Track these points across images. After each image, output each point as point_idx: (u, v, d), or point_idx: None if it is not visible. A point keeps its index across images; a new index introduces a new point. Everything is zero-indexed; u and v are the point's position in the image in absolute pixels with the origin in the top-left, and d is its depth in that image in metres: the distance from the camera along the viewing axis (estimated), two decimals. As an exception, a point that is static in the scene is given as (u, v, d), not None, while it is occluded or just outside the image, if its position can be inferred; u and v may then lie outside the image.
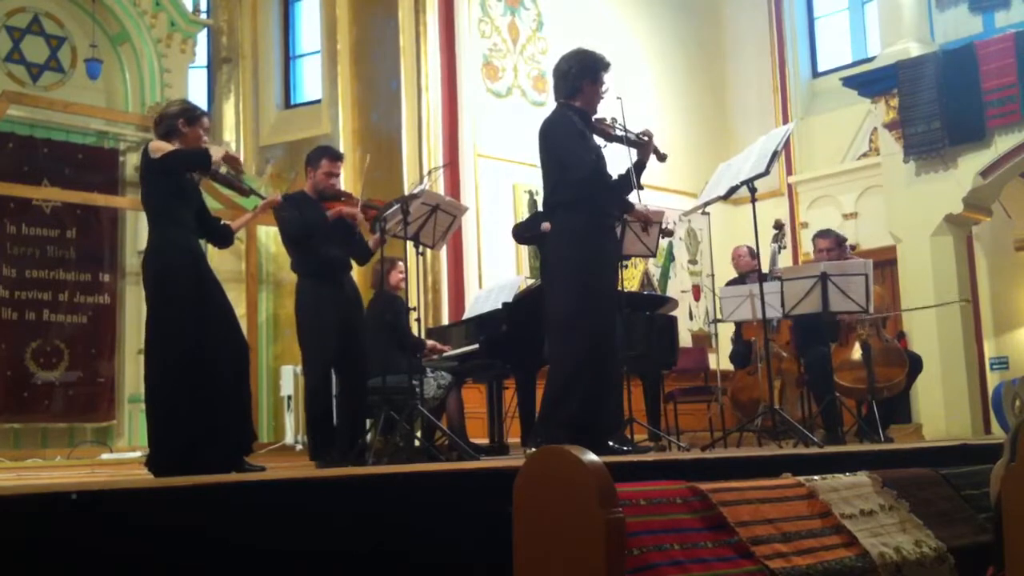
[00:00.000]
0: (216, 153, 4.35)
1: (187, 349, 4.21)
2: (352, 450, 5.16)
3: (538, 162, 4.78)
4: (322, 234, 5.28)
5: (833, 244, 6.93)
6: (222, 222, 4.82)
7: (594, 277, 4.46)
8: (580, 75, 4.67)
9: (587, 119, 4.69)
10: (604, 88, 4.74)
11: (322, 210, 5.31)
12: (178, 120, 4.48)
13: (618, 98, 4.78)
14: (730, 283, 7.26)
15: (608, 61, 4.77)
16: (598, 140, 4.73)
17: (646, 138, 4.76)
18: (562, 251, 4.57)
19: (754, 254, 7.21)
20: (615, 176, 4.69)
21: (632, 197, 4.85)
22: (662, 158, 4.80)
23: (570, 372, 4.38)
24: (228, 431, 4.27)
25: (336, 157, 5.50)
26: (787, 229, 8.04)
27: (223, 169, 4.48)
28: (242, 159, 4.55)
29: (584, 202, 4.50)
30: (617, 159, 4.74)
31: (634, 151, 4.77)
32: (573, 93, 4.68)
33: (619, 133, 4.73)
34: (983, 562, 2.57)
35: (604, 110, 4.81)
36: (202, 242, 4.79)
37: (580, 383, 4.36)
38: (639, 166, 4.74)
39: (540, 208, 5.45)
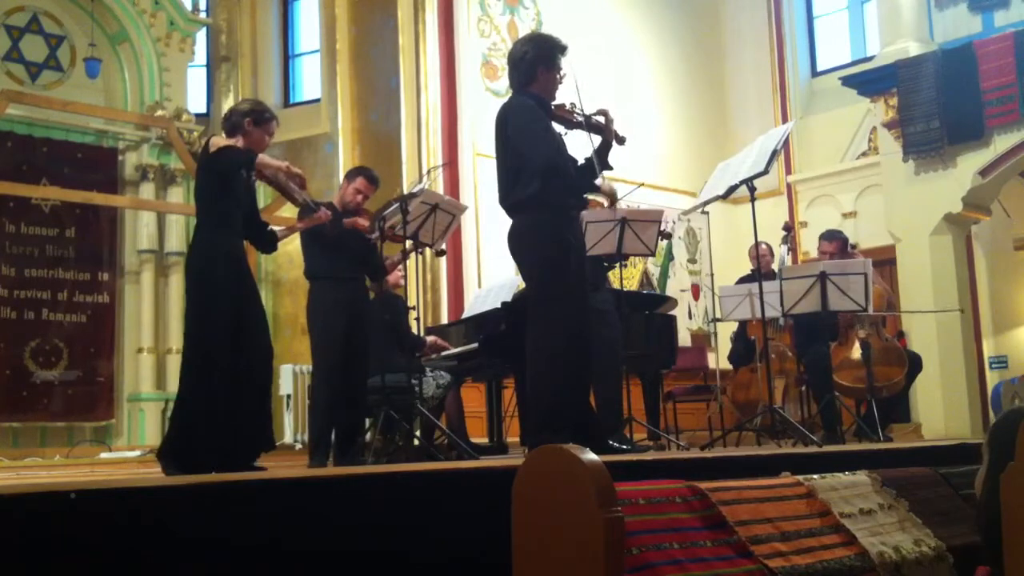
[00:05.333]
0: (275, 162, 4.35)
1: (222, 350, 4.20)
2: (351, 449, 5.17)
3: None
4: (337, 242, 5.33)
5: (838, 248, 6.91)
6: (269, 227, 4.81)
7: (559, 274, 4.29)
8: (535, 61, 4.43)
9: (546, 107, 4.47)
10: (561, 74, 4.49)
11: (341, 220, 5.35)
12: (245, 119, 4.44)
13: (577, 97, 4.52)
14: (742, 280, 7.20)
15: (565, 44, 4.52)
16: (558, 128, 4.52)
17: (603, 119, 4.52)
18: (523, 252, 4.40)
19: (772, 252, 7.23)
20: (580, 162, 4.49)
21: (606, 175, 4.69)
22: (621, 141, 4.54)
23: (553, 376, 4.21)
24: (247, 434, 4.26)
25: (372, 180, 5.62)
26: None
27: (281, 177, 4.44)
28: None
29: (545, 195, 4.28)
30: (580, 144, 4.55)
31: (596, 136, 4.56)
32: (528, 81, 4.44)
33: (579, 119, 4.50)
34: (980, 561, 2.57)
35: (562, 95, 4.56)
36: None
37: (567, 387, 4.22)
38: (605, 147, 4.52)
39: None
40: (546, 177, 4.28)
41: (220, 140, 4.38)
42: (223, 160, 4.33)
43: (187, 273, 4.44)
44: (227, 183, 4.36)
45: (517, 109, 4.42)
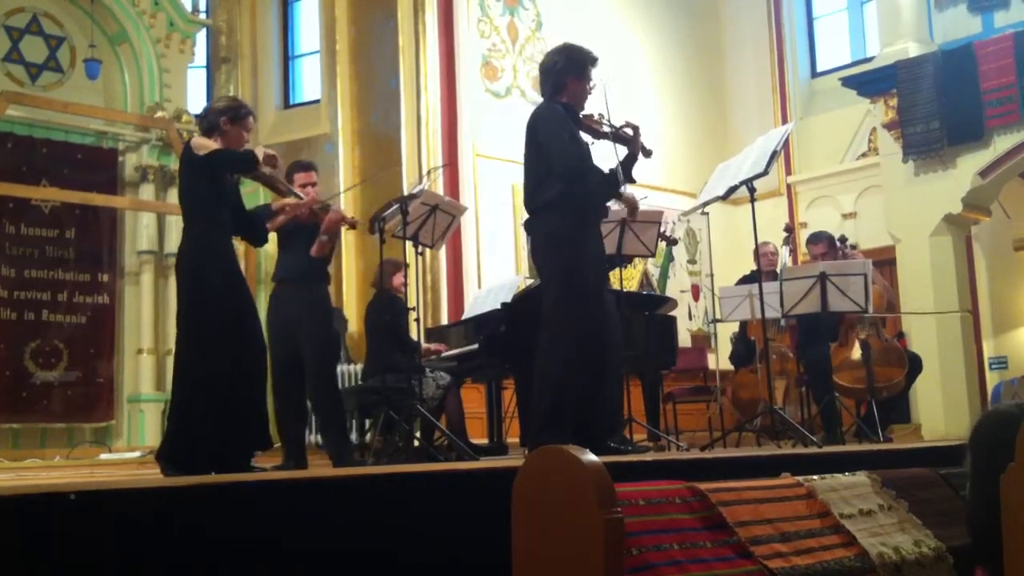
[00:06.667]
0: (258, 154, 4.34)
1: (217, 350, 4.20)
2: (345, 452, 5.15)
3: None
4: (290, 240, 5.23)
5: (826, 248, 6.94)
6: (258, 216, 4.81)
7: (577, 277, 4.37)
8: (565, 71, 4.55)
9: (574, 115, 4.59)
10: (591, 84, 4.62)
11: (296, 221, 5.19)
12: (222, 117, 4.41)
13: (600, 84, 4.64)
14: (742, 280, 7.19)
15: (595, 56, 4.66)
16: (585, 137, 4.62)
17: (631, 132, 4.66)
18: (544, 256, 4.49)
19: (778, 252, 7.23)
20: (605, 170, 4.58)
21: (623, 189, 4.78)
22: (647, 154, 4.68)
23: (561, 374, 4.29)
24: (243, 433, 4.27)
25: (306, 168, 5.41)
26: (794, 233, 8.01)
27: (264, 169, 4.44)
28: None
29: (567, 200, 4.39)
30: (606, 154, 4.64)
31: (623, 147, 4.67)
32: (558, 89, 4.57)
33: (606, 129, 4.62)
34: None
35: (590, 106, 4.70)
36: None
37: (573, 385, 4.28)
38: (631, 159, 4.65)
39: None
40: (569, 182, 4.38)
41: (202, 140, 4.37)
42: (223, 162, 4.33)
43: (179, 274, 4.43)
44: (215, 182, 4.36)
45: (546, 115, 4.52)
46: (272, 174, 4.47)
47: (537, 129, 4.50)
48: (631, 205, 4.97)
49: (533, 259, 4.68)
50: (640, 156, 4.66)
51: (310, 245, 5.17)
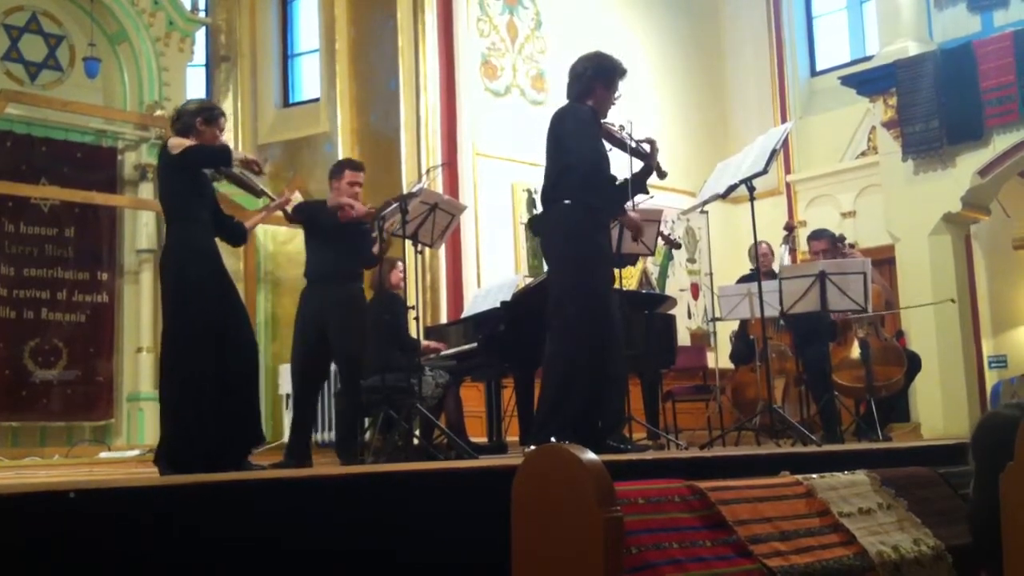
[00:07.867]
0: (235, 154, 4.39)
1: (205, 349, 4.21)
2: (351, 448, 5.17)
3: (540, 159, 4.76)
4: (335, 234, 5.30)
5: (828, 245, 6.94)
6: (235, 220, 4.83)
7: (587, 274, 4.42)
8: (595, 78, 4.65)
9: (597, 121, 4.69)
10: (617, 95, 4.73)
11: (333, 216, 5.31)
12: (196, 118, 4.46)
13: (628, 123, 4.79)
14: (742, 279, 7.19)
15: (625, 68, 4.77)
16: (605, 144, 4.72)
17: (647, 147, 4.76)
18: (555, 248, 4.57)
19: (773, 252, 7.23)
20: (618, 180, 4.69)
21: (638, 201, 4.89)
22: (662, 175, 4.79)
23: (566, 372, 4.34)
24: (238, 431, 4.29)
25: (357, 168, 5.54)
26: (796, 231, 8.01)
27: (237, 169, 4.47)
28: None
29: (582, 196, 4.46)
30: (622, 165, 4.75)
31: (638, 161, 4.79)
32: (585, 95, 4.66)
33: (626, 141, 4.74)
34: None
35: (613, 117, 4.82)
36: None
37: (576, 384, 4.31)
38: (645, 172, 4.76)
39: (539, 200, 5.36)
40: (589, 178, 4.46)
41: (177, 140, 4.39)
42: (199, 156, 4.35)
43: (163, 275, 4.44)
44: (194, 180, 4.38)
45: (575, 111, 4.62)
46: (245, 174, 4.51)
47: (565, 122, 4.58)
48: (634, 227, 4.96)
49: (544, 253, 4.72)
50: (655, 175, 4.79)
51: (335, 244, 5.26)
